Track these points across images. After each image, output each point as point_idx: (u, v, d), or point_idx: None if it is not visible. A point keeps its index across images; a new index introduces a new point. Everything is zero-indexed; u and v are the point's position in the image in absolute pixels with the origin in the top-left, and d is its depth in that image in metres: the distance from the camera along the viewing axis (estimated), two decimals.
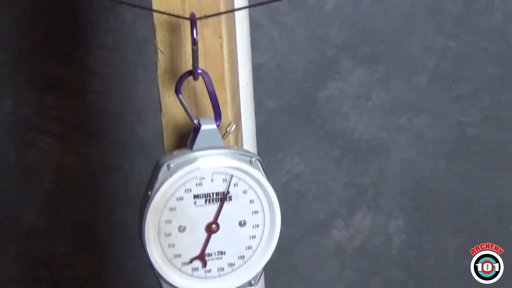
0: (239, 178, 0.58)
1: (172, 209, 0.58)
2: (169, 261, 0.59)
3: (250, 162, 0.58)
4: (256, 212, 0.60)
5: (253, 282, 0.62)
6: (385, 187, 1.24)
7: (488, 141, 1.23)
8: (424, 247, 1.27)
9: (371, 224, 1.26)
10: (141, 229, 0.58)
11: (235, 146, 0.63)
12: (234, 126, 0.62)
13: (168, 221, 0.58)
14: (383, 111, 1.22)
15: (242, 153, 0.58)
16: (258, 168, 0.59)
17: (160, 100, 0.60)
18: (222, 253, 0.60)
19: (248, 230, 0.60)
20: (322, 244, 1.26)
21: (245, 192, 0.59)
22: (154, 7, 0.59)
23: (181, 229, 0.58)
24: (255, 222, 0.60)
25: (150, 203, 0.57)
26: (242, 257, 0.60)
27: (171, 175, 0.57)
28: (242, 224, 0.59)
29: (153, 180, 0.57)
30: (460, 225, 1.26)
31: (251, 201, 0.59)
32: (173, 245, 0.59)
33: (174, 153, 0.58)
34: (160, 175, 0.57)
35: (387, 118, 1.22)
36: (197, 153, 0.57)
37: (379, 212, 1.25)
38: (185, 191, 0.57)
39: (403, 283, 1.28)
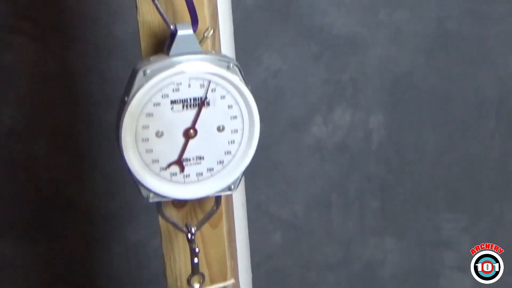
0: (217, 84, 0.60)
1: (149, 114, 0.60)
2: (147, 166, 0.61)
3: (228, 67, 0.60)
4: (234, 117, 0.62)
5: (232, 187, 0.64)
6: (365, 83, 1.29)
7: (467, 36, 1.27)
8: (403, 143, 1.32)
9: (350, 120, 1.31)
10: (118, 134, 0.60)
11: (213, 51, 0.64)
12: (212, 31, 0.63)
13: (145, 127, 0.60)
14: (362, 6, 1.24)
15: (220, 58, 0.60)
16: (236, 73, 0.60)
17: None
18: (200, 158, 0.62)
19: (226, 135, 0.62)
20: (301, 141, 1.32)
21: (223, 97, 0.61)
22: None
23: (159, 134, 0.61)
24: (234, 127, 0.62)
25: (127, 108, 0.59)
26: (221, 162, 0.63)
27: (147, 80, 0.59)
28: (220, 129, 0.62)
29: (130, 86, 0.59)
30: (439, 120, 1.32)
31: (230, 106, 0.61)
32: (151, 151, 0.61)
33: (151, 58, 0.60)
34: (137, 81, 0.59)
35: (366, 13, 1.25)
36: (173, 59, 0.59)
37: (358, 108, 1.30)
38: (162, 96, 0.60)
39: (383, 178, 1.35)
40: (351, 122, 1.32)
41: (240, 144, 0.63)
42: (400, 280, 1.39)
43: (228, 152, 0.63)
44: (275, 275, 1.38)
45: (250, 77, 1.25)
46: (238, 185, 0.65)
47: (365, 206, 1.36)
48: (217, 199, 0.66)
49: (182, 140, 0.62)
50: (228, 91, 0.61)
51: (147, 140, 0.61)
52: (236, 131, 0.62)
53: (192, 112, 0.61)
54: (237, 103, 0.62)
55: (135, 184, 0.62)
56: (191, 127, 0.61)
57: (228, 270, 0.72)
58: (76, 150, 1.30)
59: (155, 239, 1.31)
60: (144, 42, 0.63)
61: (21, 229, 1.33)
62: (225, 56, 0.62)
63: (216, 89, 0.61)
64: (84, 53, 1.24)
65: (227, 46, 0.81)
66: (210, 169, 0.63)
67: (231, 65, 0.60)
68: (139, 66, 0.60)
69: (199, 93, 0.60)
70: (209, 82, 0.60)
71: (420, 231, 1.37)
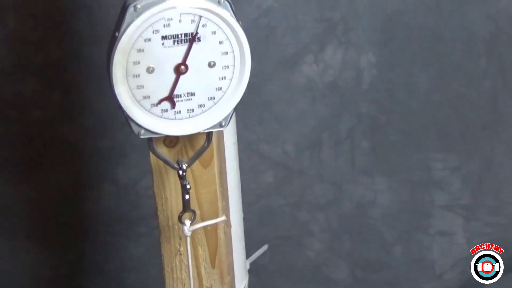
0: (208, 19, 0.61)
1: (140, 50, 0.61)
2: (138, 102, 0.63)
3: (219, 3, 0.61)
4: (225, 53, 0.62)
5: (223, 123, 0.65)
6: (356, 22, 1.30)
7: None
8: (395, 81, 1.34)
9: (341, 59, 1.32)
10: (109, 70, 0.61)
11: None
12: None
13: (136, 62, 0.61)
14: None
15: None
16: (227, 9, 0.61)
17: None
18: (191, 94, 0.63)
19: (217, 71, 0.63)
20: (292, 80, 1.33)
21: (214, 33, 0.61)
22: None
23: (150, 70, 0.62)
24: (225, 63, 0.63)
25: (117, 44, 0.60)
26: (212, 98, 0.64)
27: (138, 16, 0.59)
28: (211, 65, 0.63)
29: (120, 21, 0.60)
30: (431, 58, 1.33)
31: (220, 42, 0.62)
32: (142, 87, 0.62)
33: None
34: (127, 16, 0.60)
35: None
36: None
37: (350, 47, 1.31)
38: (153, 32, 0.60)
39: (374, 118, 1.36)
40: (342, 61, 1.32)
41: (231, 80, 0.64)
42: (391, 219, 1.41)
43: (219, 88, 0.64)
44: (266, 215, 1.40)
45: (241, 15, 1.26)
46: (229, 122, 0.66)
47: (356, 145, 1.37)
48: (208, 135, 0.67)
49: (173, 76, 0.63)
50: (219, 27, 0.62)
51: (138, 76, 0.62)
52: (227, 67, 0.63)
53: (183, 47, 0.61)
54: (228, 38, 0.62)
55: (126, 120, 0.64)
56: (182, 63, 0.62)
57: (220, 209, 0.73)
58: (65, 88, 1.31)
59: (146, 178, 1.33)
60: None
61: (11, 169, 1.34)
62: None
63: (207, 25, 0.61)
64: None
65: None
66: (201, 105, 0.64)
67: (222, 0, 0.61)
68: (129, 1, 0.60)
69: (190, 28, 0.61)
70: (200, 17, 0.61)
71: (410, 171, 1.39)
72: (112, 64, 0.61)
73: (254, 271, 0.97)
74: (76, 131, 1.33)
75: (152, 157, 0.69)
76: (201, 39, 0.62)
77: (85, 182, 1.37)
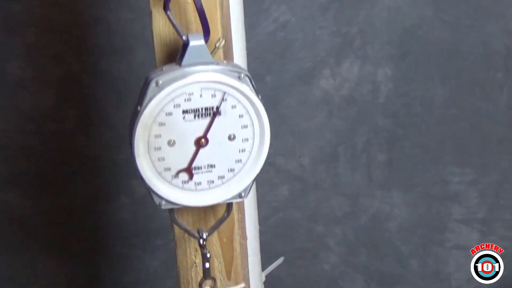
0: (228, 94, 0.62)
1: (162, 124, 0.62)
2: (159, 174, 0.63)
3: (239, 78, 0.62)
4: (245, 126, 0.63)
5: (243, 194, 0.66)
6: (373, 35, 1.31)
7: None
8: (411, 95, 1.34)
9: (358, 72, 1.33)
10: (131, 143, 0.62)
11: (224, 61, 0.65)
12: (223, 41, 0.65)
13: (158, 136, 0.62)
14: None
15: (231, 69, 0.62)
16: (247, 83, 0.62)
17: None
18: (212, 166, 0.64)
19: (237, 143, 0.64)
20: (309, 94, 1.34)
21: (234, 107, 0.62)
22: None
23: (171, 143, 0.62)
24: (245, 136, 0.64)
25: (140, 118, 0.61)
26: (232, 170, 0.64)
27: (159, 91, 0.60)
28: (231, 138, 0.63)
29: (143, 96, 0.61)
30: (447, 73, 1.33)
31: (240, 116, 0.63)
32: (163, 159, 0.63)
33: (164, 68, 0.62)
34: (149, 91, 0.61)
35: None
36: (185, 69, 0.61)
37: (366, 61, 1.32)
38: (174, 106, 0.61)
39: (391, 131, 1.36)
40: (359, 75, 1.33)
41: (250, 152, 0.65)
42: (407, 233, 1.42)
43: (239, 161, 0.65)
44: (282, 228, 1.40)
45: (258, 29, 1.27)
46: (248, 192, 0.66)
47: (372, 159, 1.37)
48: (229, 205, 0.68)
49: (193, 148, 0.64)
50: (239, 101, 0.63)
51: (159, 148, 0.63)
52: (246, 139, 0.64)
53: (203, 121, 0.63)
54: (247, 112, 0.63)
55: (148, 192, 0.65)
56: (203, 136, 0.63)
57: (235, 221, 0.73)
58: (83, 102, 1.32)
59: None
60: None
61: (28, 181, 1.35)
62: (236, 66, 0.63)
63: (227, 99, 0.63)
64: (92, 4, 1.25)
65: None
66: (221, 177, 0.65)
67: (242, 75, 0.62)
68: (152, 76, 0.62)
69: (210, 102, 0.62)
70: (224, 93, 0.62)
71: (427, 185, 1.39)
72: (134, 137, 0.62)
73: (269, 284, 0.97)
74: (93, 144, 1.34)
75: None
76: (221, 113, 0.63)
77: (102, 195, 1.38)
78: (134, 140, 0.62)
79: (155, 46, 0.65)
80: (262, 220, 0.96)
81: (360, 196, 1.40)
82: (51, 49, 1.28)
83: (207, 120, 0.63)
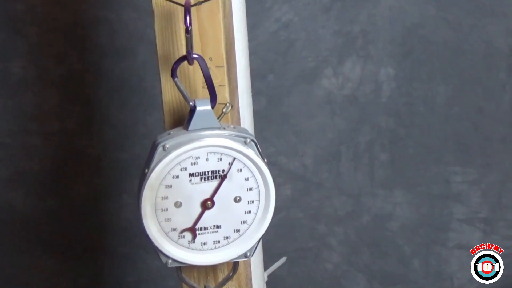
0: (234, 158, 0.64)
1: (168, 186, 0.64)
2: (166, 234, 0.65)
3: (245, 143, 0.64)
4: (251, 189, 0.65)
5: (248, 254, 0.67)
6: (375, 35, 1.31)
7: None
8: (414, 95, 1.34)
9: (361, 72, 1.33)
10: (139, 204, 0.64)
11: (231, 126, 0.67)
12: (230, 107, 0.67)
13: (165, 197, 0.64)
14: None
15: (237, 134, 0.64)
16: (252, 148, 0.64)
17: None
18: (217, 226, 0.66)
19: (243, 205, 0.65)
20: (312, 93, 1.34)
21: (240, 170, 0.64)
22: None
23: (177, 204, 0.64)
24: (250, 198, 0.65)
25: (147, 181, 0.63)
26: (237, 230, 0.66)
27: (166, 155, 0.63)
28: (237, 200, 0.65)
29: (150, 159, 0.63)
30: (450, 72, 1.33)
31: (246, 179, 0.65)
32: (170, 220, 0.65)
33: (171, 132, 0.64)
34: (157, 155, 0.63)
35: None
36: (192, 134, 0.63)
37: (369, 60, 1.32)
38: (181, 169, 0.63)
39: (393, 131, 1.36)
40: (361, 74, 1.33)
41: (256, 213, 0.66)
42: (409, 232, 1.41)
43: (245, 221, 0.66)
44: (284, 227, 1.40)
45: (260, 29, 1.27)
46: (254, 252, 0.68)
47: (375, 158, 1.38)
48: (234, 264, 0.70)
49: (199, 210, 0.65)
50: (245, 164, 0.64)
51: (166, 210, 0.65)
52: (252, 201, 0.66)
53: (209, 184, 0.65)
54: (253, 175, 0.65)
55: (155, 251, 0.66)
56: (209, 199, 0.65)
57: None
58: (85, 101, 1.32)
59: None
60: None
61: (31, 181, 1.36)
62: (242, 131, 0.66)
63: (233, 163, 0.64)
64: (94, 4, 1.26)
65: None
66: (227, 237, 0.67)
67: (248, 140, 0.64)
68: (159, 140, 0.64)
69: (216, 166, 0.64)
70: (234, 159, 0.64)
71: (429, 184, 1.39)
72: (141, 199, 0.64)
73: (272, 283, 0.97)
74: (96, 144, 1.35)
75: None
76: (228, 176, 0.65)
77: (105, 194, 1.38)
78: (141, 201, 0.64)
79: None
80: None
81: (362, 196, 1.40)
82: (53, 48, 1.29)
83: (213, 183, 0.64)
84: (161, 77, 0.67)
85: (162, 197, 0.64)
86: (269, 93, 1.32)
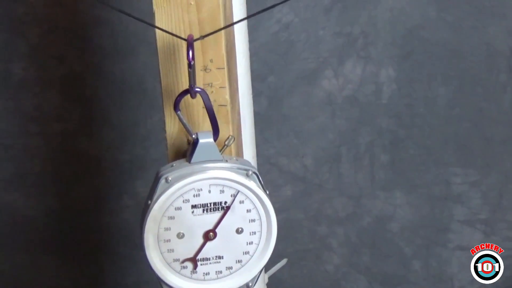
0: (236, 190, 0.65)
1: (171, 217, 0.65)
2: (169, 264, 0.66)
3: (247, 175, 0.65)
4: (253, 220, 0.66)
5: (250, 284, 0.68)
6: (376, 36, 1.31)
7: None
8: (414, 96, 1.34)
9: (361, 73, 1.33)
10: (141, 235, 0.65)
11: (234, 158, 0.68)
12: (233, 140, 0.68)
13: (167, 229, 0.65)
14: None
15: (239, 166, 0.65)
16: (254, 180, 0.65)
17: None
18: (220, 257, 0.67)
19: (245, 236, 0.66)
20: (312, 94, 1.34)
21: (242, 202, 0.65)
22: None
23: (180, 235, 0.65)
24: (252, 229, 0.66)
25: (149, 212, 0.64)
26: (239, 261, 0.67)
27: (169, 187, 0.63)
28: (239, 231, 0.66)
29: (153, 191, 0.64)
30: (450, 73, 1.33)
31: (248, 211, 0.66)
32: (172, 250, 0.66)
33: (174, 164, 0.65)
34: (159, 187, 0.64)
35: None
36: (195, 166, 0.64)
37: (369, 61, 1.32)
38: (183, 201, 0.64)
39: (393, 132, 1.36)
40: (362, 76, 1.33)
41: (258, 244, 0.67)
42: (410, 234, 1.41)
43: (247, 252, 0.67)
44: (285, 229, 1.40)
45: (261, 30, 1.27)
46: (256, 283, 0.69)
47: (375, 160, 1.38)
48: None
49: (202, 240, 0.66)
50: (247, 196, 0.65)
51: (168, 240, 0.66)
52: (254, 233, 0.67)
53: (212, 215, 0.66)
54: (255, 207, 0.66)
55: (158, 281, 0.67)
56: (211, 230, 0.66)
57: None
58: (86, 102, 1.32)
59: None
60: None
61: (32, 182, 1.36)
62: (245, 163, 0.66)
63: (235, 195, 0.65)
64: (95, 5, 1.26)
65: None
66: (229, 268, 0.68)
67: (250, 172, 0.65)
68: (162, 172, 0.65)
69: (219, 198, 0.65)
70: (238, 192, 0.65)
71: (429, 186, 1.39)
72: (144, 230, 0.64)
73: (272, 285, 0.97)
74: (96, 145, 1.35)
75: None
76: (229, 207, 0.66)
77: (105, 195, 1.38)
78: (144, 232, 0.64)
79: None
80: None
81: (363, 197, 1.40)
82: (54, 49, 1.29)
83: (215, 214, 0.65)
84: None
85: (164, 228, 0.65)
86: (270, 94, 1.32)
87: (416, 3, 1.29)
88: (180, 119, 0.65)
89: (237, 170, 0.65)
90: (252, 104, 0.86)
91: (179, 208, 0.64)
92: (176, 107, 0.64)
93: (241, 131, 0.79)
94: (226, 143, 0.68)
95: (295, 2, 1.29)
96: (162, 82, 0.67)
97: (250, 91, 0.86)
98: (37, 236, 1.39)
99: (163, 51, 0.66)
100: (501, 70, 1.33)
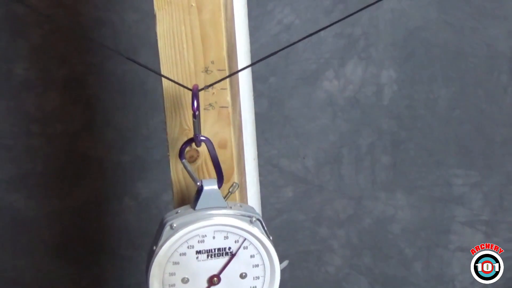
0: (240, 236, 0.66)
1: (176, 263, 0.66)
2: None
3: (250, 222, 0.66)
4: (256, 265, 0.68)
5: None
6: (377, 37, 1.31)
7: None
8: (415, 97, 1.34)
9: (362, 74, 1.33)
10: (147, 280, 0.66)
11: (238, 204, 0.69)
12: (237, 187, 0.69)
13: (172, 274, 0.66)
14: None
15: (243, 213, 0.66)
16: (258, 227, 0.66)
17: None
18: None
19: (249, 281, 0.68)
20: (313, 95, 1.34)
21: (246, 248, 0.67)
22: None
23: (184, 280, 0.67)
24: (256, 274, 0.68)
25: (155, 258, 0.65)
26: None
27: (174, 233, 0.65)
28: (243, 276, 0.68)
29: (158, 237, 0.66)
30: (451, 75, 1.34)
31: (252, 256, 0.67)
32: None
33: (179, 211, 0.66)
34: (164, 233, 0.65)
35: None
36: (199, 213, 0.66)
37: (370, 63, 1.32)
38: (188, 247, 0.66)
39: (394, 133, 1.37)
40: (363, 77, 1.33)
41: None
42: (411, 235, 1.42)
43: None
44: (286, 230, 1.41)
45: (262, 31, 1.28)
46: None
47: (376, 161, 1.38)
48: None
49: (206, 285, 0.68)
50: (251, 242, 0.67)
51: (173, 285, 0.67)
52: (257, 277, 0.68)
53: (216, 260, 0.67)
54: (259, 252, 0.67)
55: None
56: (216, 275, 0.67)
57: None
58: (87, 103, 1.33)
59: (166, 193, 1.35)
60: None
61: (33, 183, 1.36)
62: (249, 210, 0.68)
63: (239, 241, 0.67)
64: (97, 6, 1.26)
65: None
66: None
67: (254, 219, 0.66)
68: (167, 219, 0.66)
69: (223, 244, 0.66)
70: (244, 239, 0.66)
71: (430, 187, 1.39)
72: (149, 275, 0.66)
73: None
74: (98, 146, 1.35)
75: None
76: (235, 254, 0.67)
77: (106, 196, 1.38)
78: (149, 278, 0.66)
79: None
80: (266, 221, 0.94)
81: (364, 198, 1.40)
82: (56, 50, 1.29)
83: (219, 260, 0.67)
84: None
85: (169, 273, 0.66)
86: (271, 95, 1.32)
87: (417, 5, 1.30)
88: (185, 167, 0.67)
89: (241, 217, 0.66)
90: (253, 105, 0.87)
91: (184, 254, 0.66)
92: (181, 155, 0.66)
93: (242, 133, 0.79)
94: (230, 190, 0.69)
95: (297, 4, 1.29)
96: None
97: (251, 93, 0.86)
98: (38, 237, 1.39)
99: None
100: (502, 71, 1.33)
